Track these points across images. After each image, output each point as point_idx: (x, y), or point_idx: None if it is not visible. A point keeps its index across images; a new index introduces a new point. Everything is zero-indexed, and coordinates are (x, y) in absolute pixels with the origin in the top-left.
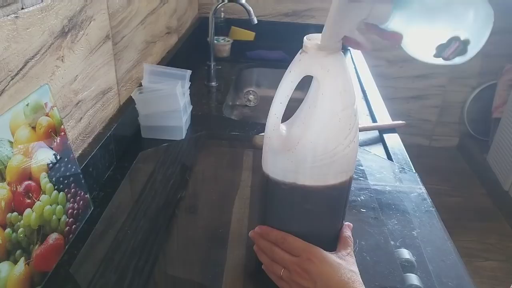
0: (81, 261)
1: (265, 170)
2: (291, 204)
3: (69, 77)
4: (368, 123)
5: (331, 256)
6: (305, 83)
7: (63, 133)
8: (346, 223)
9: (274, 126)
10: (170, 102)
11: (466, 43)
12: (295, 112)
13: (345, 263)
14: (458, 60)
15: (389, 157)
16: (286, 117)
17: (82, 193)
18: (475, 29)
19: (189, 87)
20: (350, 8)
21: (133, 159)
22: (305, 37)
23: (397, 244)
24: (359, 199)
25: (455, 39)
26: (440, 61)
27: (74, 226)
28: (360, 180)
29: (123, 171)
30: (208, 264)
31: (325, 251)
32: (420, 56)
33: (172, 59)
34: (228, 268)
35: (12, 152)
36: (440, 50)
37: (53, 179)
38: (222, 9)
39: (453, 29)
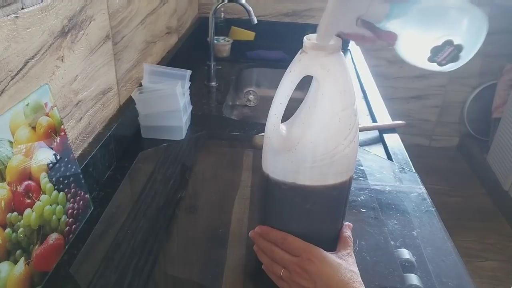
0: (81, 261)
1: (265, 170)
2: (291, 204)
3: (69, 77)
4: (368, 123)
5: (331, 256)
6: (305, 83)
7: (63, 133)
8: (346, 223)
9: (274, 126)
10: (170, 102)
11: (459, 48)
12: (295, 112)
13: (345, 263)
14: (450, 66)
15: (389, 157)
16: (286, 117)
17: (82, 193)
18: (468, 36)
19: (189, 87)
20: (348, 3)
21: (133, 159)
22: (305, 37)
23: (397, 244)
24: (359, 199)
25: (449, 43)
26: (433, 66)
27: (74, 226)
28: (360, 180)
29: (123, 171)
30: (208, 264)
31: (325, 251)
32: (414, 59)
33: (172, 59)
34: (228, 268)
35: (12, 152)
36: (434, 53)
37: (53, 179)
38: (222, 9)
39: (447, 33)
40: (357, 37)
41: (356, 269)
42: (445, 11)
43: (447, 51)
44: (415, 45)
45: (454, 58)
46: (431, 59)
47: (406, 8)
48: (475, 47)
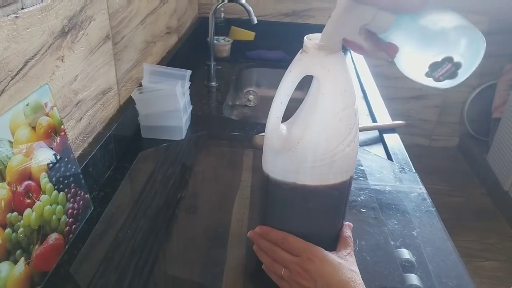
0: (81, 261)
1: (265, 170)
2: (291, 204)
3: (69, 77)
4: (368, 123)
5: (332, 256)
6: (305, 83)
7: (63, 133)
8: (347, 223)
9: (274, 126)
10: (170, 102)
11: (458, 66)
12: (295, 112)
13: (346, 262)
14: (446, 83)
15: (389, 157)
16: (286, 117)
17: (82, 193)
18: (467, 55)
19: (189, 87)
20: (355, 11)
21: (133, 159)
22: (305, 37)
23: (397, 244)
24: (359, 199)
25: (448, 59)
26: (429, 81)
27: (74, 226)
28: (360, 180)
29: (123, 171)
30: (208, 264)
31: (325, 251)
32: (411, 73)
33: (172, 59)
34: (228, 268)
35: (12, 152)
36: (433, 69)
37: (53, 179)
38: (222, 9)
39: (447, 50)
40: (356, 47)
41: (356, 268)
42: (447, 28)
43: (445, 67)
44: (414, 59)
45: (452, 75)
46: (428, 74)
47: (411, 22)
48: (473, 66)
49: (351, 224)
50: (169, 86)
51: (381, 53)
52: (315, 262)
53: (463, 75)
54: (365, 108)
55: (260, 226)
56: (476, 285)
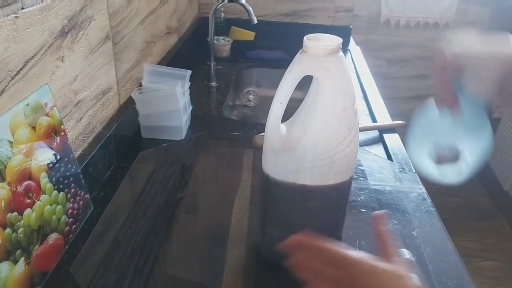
0: (81, 261)
1: (265, 170)
2: (291, 204)
3: (69, 77)
4: (368, 123)
5: (379, 265)
6: (305, 83)
7: (63, 133)
8: (378, 211)
9: (274, 126)
10: (170, 102)
11: (457, 158)
12: (295, 112)
13: (393, 267)
14: (451, 174)
15: (389, 157)
16: (286, 117)
17: (82, 193)
18: (472, 155)
19: (189, 87)
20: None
21: (133, 159)
22: (305, 37)
23: (397, 244)
24: (359, 199)
25: (455, 151)
26: (431, 167)
27: (74, 226)
28: (360, 180)
29: (123, 171)
30: (208, 264)
31: (372, 259)
32: (422, 144)
33: (172, 59)
34: (228, 268)
35: (12, 152)
36: (440, 148)
37: (53, 179)
38: (222, 9)
39: (459, 144)
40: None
41: (407, 272)
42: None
43: (448, 154)
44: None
45: (452, 162)
46: (431, 153)
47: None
48: (475, 166)
49: (383, 213)
50: (169, 86)
51: (442, 102)
52: (357, 276)
53: (464, 170)
54: (365, 108)
55: (299, 234)
56: (476, 285)
